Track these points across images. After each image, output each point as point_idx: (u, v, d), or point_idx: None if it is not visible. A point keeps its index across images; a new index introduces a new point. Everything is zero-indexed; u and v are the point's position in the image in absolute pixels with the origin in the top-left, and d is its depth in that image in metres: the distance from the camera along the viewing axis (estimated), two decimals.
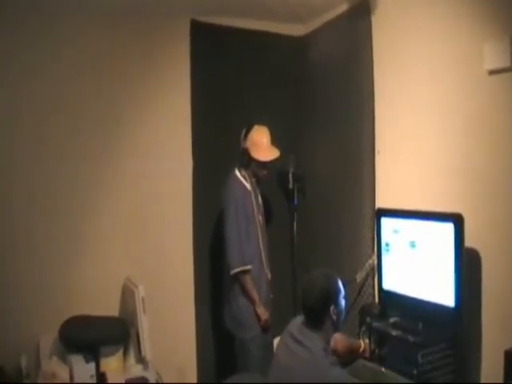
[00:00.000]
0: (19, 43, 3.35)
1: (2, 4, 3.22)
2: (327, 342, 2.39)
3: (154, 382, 3.30)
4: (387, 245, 2.91)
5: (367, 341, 2.80)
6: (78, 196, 3.54)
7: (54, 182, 3.46)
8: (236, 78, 4.02)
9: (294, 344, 2.38)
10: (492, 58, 2.48)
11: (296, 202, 3.91)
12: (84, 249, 3.56)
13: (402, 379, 2.49)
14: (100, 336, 3.23)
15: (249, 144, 3.51)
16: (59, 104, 3.48)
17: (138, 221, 3.73)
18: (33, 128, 3.41)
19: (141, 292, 3.22)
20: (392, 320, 2.75)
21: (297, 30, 4.24)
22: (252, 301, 3.36)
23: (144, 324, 3.20)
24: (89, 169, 3.57)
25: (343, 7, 3.66)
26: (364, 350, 2.78)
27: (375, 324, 2.77)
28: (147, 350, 3.22)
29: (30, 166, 3.40)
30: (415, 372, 2.43)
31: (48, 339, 3.29)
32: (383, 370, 2.62)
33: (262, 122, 3.60)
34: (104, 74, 3.62)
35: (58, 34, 3.47)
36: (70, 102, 3.51)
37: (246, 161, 3.53)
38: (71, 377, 3.11)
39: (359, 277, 3.26)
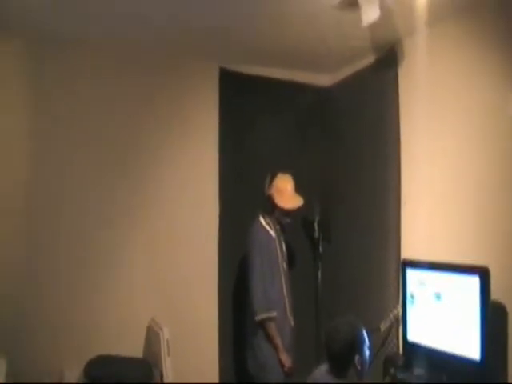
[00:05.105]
0: (44, 88, 3.49)
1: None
2: None
3: None
4: (412, 296, 2.93)
5: None
6: (106, 238, 3.61)
7: (81, 224, 3.54)
8: (263, 125, 4.11)
9: None
10: None
11: (321, 250, 3.95)
12: (112, 289, 3.61)
13: None
14: (124, 377, 3.24)
15: (273, 191, 3.58)
16: (83, 146, 3.57)
17: (165, 263, 3.78)
18: (58, 170, 3.51)
19: (165, 334, 3.25)
20: (416, 372, 2.74)
21: (323, 79, 4.35)
22: (276, 347, 3.37)
23: (168, 366, 3.22)
24: (116, 212, 3.65)
25: (370, 58, 3.79)
26: None
27: (399, 375, 2.77)
28: None
29: (56, 206, 3.49)
30: None
31: (72, 375, 3.32)
32: None
33: (287, 170, 3.67)
34: (131, 117, 3.74)
35: (84, 73, 3.59)
36: (95, 144, 3.61)
37: (270, 208, 3.60)
38: None
39: (383, 327, 3.25)
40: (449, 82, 3.07)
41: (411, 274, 2.95)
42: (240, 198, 3.98)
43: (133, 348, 3.56)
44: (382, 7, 2.71)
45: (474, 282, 2.48)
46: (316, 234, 3.95)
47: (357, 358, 2.37)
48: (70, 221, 3.52)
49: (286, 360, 3.38)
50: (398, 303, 3.22)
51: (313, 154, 4.26)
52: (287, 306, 3.53)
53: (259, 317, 3.36)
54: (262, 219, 3.59)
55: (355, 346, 2.41)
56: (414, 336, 2.93)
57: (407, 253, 3.28)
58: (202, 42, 3.60)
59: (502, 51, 2.72)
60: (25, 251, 3.37)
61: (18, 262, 3.34)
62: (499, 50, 2.74)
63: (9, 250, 3.31)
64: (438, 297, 2.74)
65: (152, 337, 3.50)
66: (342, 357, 2.39)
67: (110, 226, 3.63)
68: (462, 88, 2.97)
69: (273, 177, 3.63)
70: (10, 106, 3.38)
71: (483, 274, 2.44)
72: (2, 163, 3.32)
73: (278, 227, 3.63)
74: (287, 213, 3.60)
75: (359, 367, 2.39)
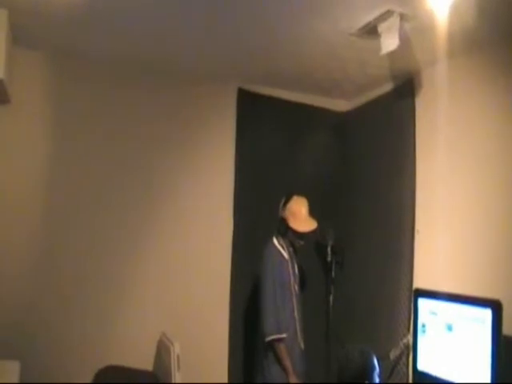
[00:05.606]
0: (63, 102, 3.54)
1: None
2: None
3: None
4: (423, 326, 2.93)
5: None
6: (120, 254, 3.65)
7: (96, 240, 3.59)
8: (279, 147, 4.16)
9: None
10: None
11: (333, 274, 3.95)
12: (125, 303, 3.65)
13: None
14: None
15: (287, 214, 3.62)
16: (96, 167, 3.61)
17: (178, 280, 3.80)
18: (72, 191, 3.54)
19: (176, 349, 3.24)
20: None
21: (340, 105, 4.39)
22: (285, 369, 3.38)
23: (177, 381, 3.21)
24: (130, 230, 3.69)
25: (388, 86, 3.82)
26: None
27: None
28: None
29: (73, 221, 3.52)
30: None
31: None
32: None
33: (302, 193, 3.71)
34: (147, 136, 3.77)
35: (102, 91, 3.64)
36: (109, 164, 3.65)
37: (284, 230, 3.63)
38: None
39: (393, 355, 3.25)
40: (466, 115, 3.09)
41: (423, 304, 2.95)
42: (254, 219, 4.01)
43: (143, 362, 3.57)
44: (402, 37, 2.76)
45: (486, 314, 2.48)
46: (329, 259, 3.95)
47: None
48: (86, 236, 3.56)
49: (295, 382, 3.37)
50: (408, 332, 3.23)
51: (328, 177, 4.28)
52: (297, 328, 3.54)
53: (269, 338, 3.37)
54: (275, 241, 3.62)
55: (365, 373, 2.43)
56: (423, 365, 2.93)
57: (420, 282, 3.29)
58: (222, 64, 3.66)
59: None
60: (42, 263, 3.42)
61: (35, 273, 3.39)
62: None
63: (27, 262, 3.37)
64: (450, 327, 2.73)
65: (162, 351, 3.51)
66: (353, 383, 2.41)
67: (124, 244, 3.68)
68: (480, 121, 3.00)
69: (288, 199, 3.66)
70: (30, 117, 3.44)
71: (495, 306, 2.44)
72: (17, 179, 3.38)
73: (291, 249, 3.66)
74: (300, 235, 3.63)
75: None
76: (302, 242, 3.67)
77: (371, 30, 2.91)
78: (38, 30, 3.13)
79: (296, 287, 3.62)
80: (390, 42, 2.82)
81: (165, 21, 2.96)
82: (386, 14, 2.73)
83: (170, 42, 3.26)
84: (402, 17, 2.72)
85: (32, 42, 3.32)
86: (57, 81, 3.52)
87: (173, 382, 3.22)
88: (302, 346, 3.56)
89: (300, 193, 3.71)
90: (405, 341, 3.23)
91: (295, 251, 3.71)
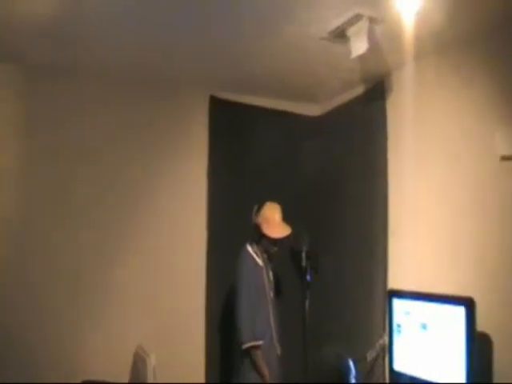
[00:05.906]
0: (36, 114, 3.52)
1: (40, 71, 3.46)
2: None
3: None
4: (399, 326, 2.95)
5: None
6: (93, 264, 3.60)
7: (72, 251, 3.54)
8: (252, 153, 4.15)
9: None
10: (504, 144, 2.65)
11: (308, 279, 3.94)
12: (101, 315, 3.59)
13: None
14: None
15: (260, 220, 3.61)
16: (71, 176, 3.58)
17: (152, 289, 3.77)
18: (52, 190, 3.52)
19: (152, 361, 3.20)
20: None
21: (313, 109, 4.43)
22: (262, 375, 3.36)
23: None
24: (103, 238, 3.65)
25: (359, 90, 3.87)
26: None
27: None
28: None
29: (45, 233, 3.49)
30: None
31: None
32: None
33: (275, 199, 3.71)
34: (120, 145, 3.75)
35: (75, 102, 3.61)
36: (83, 173, 3.62)
37: (258, 237, 3.62)
38: None
39: (369, 356, 3.25)
40: (436, 115, 3.14)
41: (398, 304, 2.97)
42: (228, 227, 3.99)
43: (119, 374, 3.51)
44: (371, 40, 2.79)
45: (459, 312, 2.51)
46: (304, 263, 3.94)
47: None
48: (62, 248, 3.51)
49: None
50: (384, 332, 3.24)
51: (302, 183, 4.29)
52: (274, 334, 3.53)
53: (245, 345, 3.36)
54: (249, 248, 3.61)
55: (341, 376, 2.41)
56: (400, 365, 2.94)
57: (394, 283, 3.30)
58: (193, 71, 3.65)
59: (488, 86, 2.81)
60: (14, 275, 3.36)
61: (7, 286, 3.32)
62: (485, 84, 2.83)
63: None
64: (424, 326, 2.76)
65: (139, 363, 3.46)
66: None
67: (100, 254, 3.63)
68: (449, 120, 3.05)
69: (261, 205, 3.66)
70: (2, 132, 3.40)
71: (469, 304, 2.47)
72: None
73: (265, 256, 3.66)
74: (274, 241, 3.62)
75: None
76: (275, 248, 3.66)
77: (341, 34, 2.93)
78: (7, 42, 3.09)
79: (271, 293, 3.62)
80: (359, 46, 2.84)
81: (135, 29, 2.94)
82: (355, 18, 2.75)
83: (140, 49, 3.24)
84: (371, 20, 2.75)
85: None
86: (26, 92, 3.48)
87: None
88: (279, 351, 3.56)
89: (273, 199, 3.71)
90: (381, 342, 3.24)
91: (270, 258, 3.71)
